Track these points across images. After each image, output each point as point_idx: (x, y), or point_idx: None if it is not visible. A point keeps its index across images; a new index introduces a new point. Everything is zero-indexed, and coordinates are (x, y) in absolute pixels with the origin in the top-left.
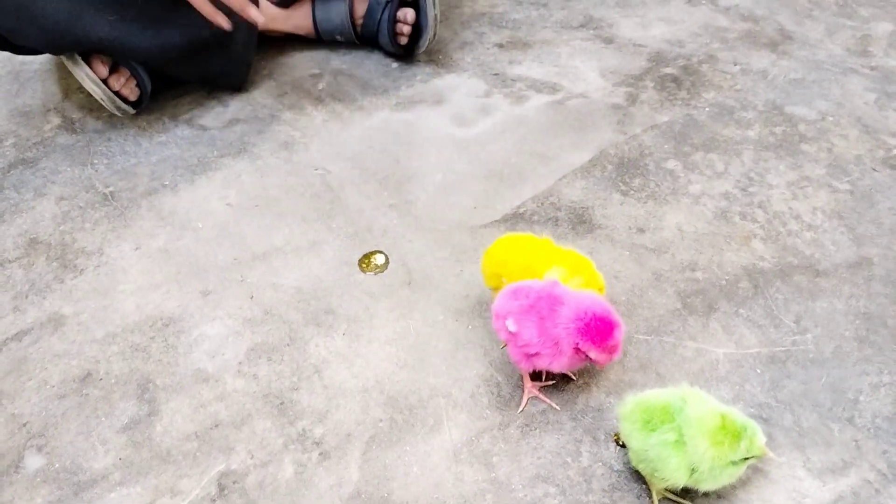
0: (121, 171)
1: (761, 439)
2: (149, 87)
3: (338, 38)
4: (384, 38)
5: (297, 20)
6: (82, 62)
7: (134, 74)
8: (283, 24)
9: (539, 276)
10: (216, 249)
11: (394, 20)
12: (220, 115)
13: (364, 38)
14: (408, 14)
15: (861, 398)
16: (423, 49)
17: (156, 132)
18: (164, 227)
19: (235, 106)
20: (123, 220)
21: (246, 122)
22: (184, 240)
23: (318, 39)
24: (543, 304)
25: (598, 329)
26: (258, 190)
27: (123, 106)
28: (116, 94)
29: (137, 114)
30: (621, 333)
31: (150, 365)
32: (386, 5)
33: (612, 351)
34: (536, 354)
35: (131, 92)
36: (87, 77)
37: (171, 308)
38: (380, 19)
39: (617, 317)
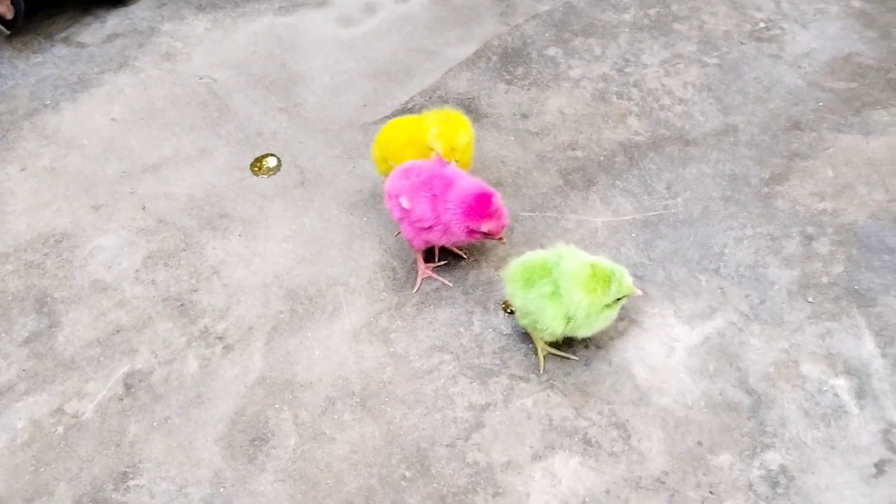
0: None
1: (629, 280)
2: (23, 7)
3: None
4: None
5: None
6: None
7: None
8: None
9: (420, 147)
10: (104, 164)
11: None
12: (97, 31)
13: None
14: None
15: (726, 251)
16: None
17: (32, 53)
18: (48, 146)
19: (113, 21)
20: (6, 142)
21: (125, 36)
22: (70, 157)
23: None
24: (436, 183)
25: (479, 205)
26: (143, 103)
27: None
28: None
29: (11, 36)
30: (499, 199)
31: (47, 280)
32: None
33: (498, 216)
34: (429, 229)
35: (7, 10)
36: None
37: (62, 224)
38: None
39: (491, 189)
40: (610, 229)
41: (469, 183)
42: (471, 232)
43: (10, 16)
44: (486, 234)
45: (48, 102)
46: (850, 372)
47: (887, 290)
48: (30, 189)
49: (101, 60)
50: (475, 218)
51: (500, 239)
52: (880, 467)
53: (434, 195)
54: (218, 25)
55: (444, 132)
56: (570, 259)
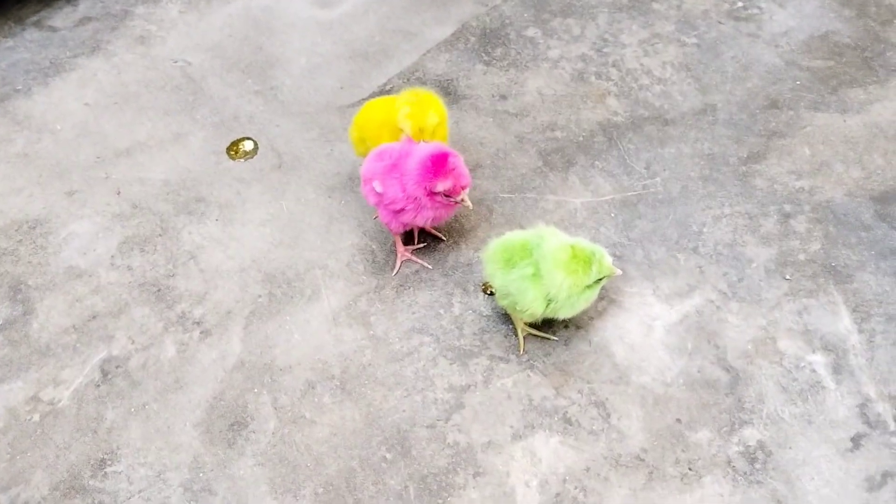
0: None
1: (608, 260)
2: None
3: None
4: None
5: None
6: None
7: None
8: None
9: (394, 127)
10: (77, 150)
11: None
12: (69, 14)
13: None
14: None
15: (705, 230)
16: None
17: (3, 37)
18: (20, 131)
19: (85, 4)
20: None
21: (98, 19)
22: (42, 143)
23: None
24: (402, 162)
25: (434, 164)
26: (116, 87)
27: None
28: None
29: None
30: (458, 159)
31: (21, 267)
32: None
33: (455, 175)
34: (402, 210)
35: None
36: None
37: (36, 211)
38: None
39: (449, 149)
40: (589, 209)
41: (427, 146)
42: (431, 195)
43: None
44: (447, 196)
45: (20, 87)
46: (827, 348)
47: (863, 267)
48: (2, 175)
49: (73, 44)
50: (430, 177)
51: (463, 201)
52: (856, 441)
53: (402, 174)
54: (192, 8)
55: (414, 113)
56: (551, 240)
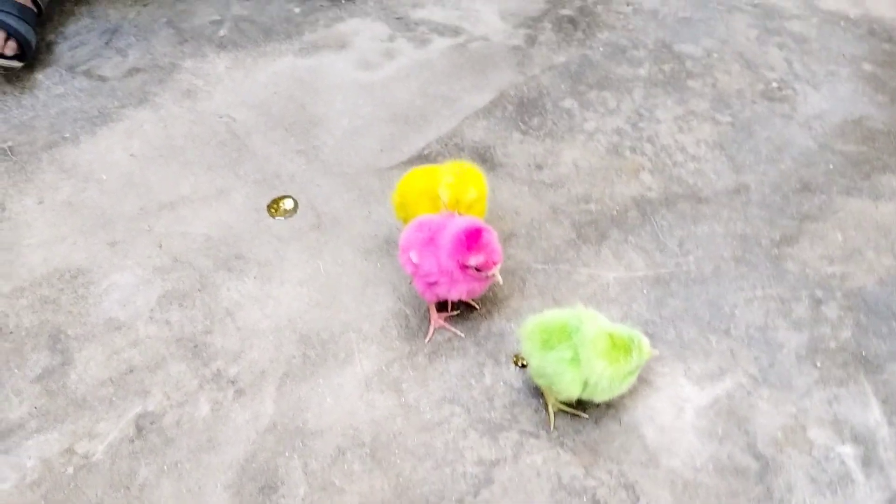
0: (19, 126)
1: (646, 344)
2: (32, 39)
3: None
4: None
5: None
6: None
7: (5, 29)
8: None
9: (433, 196)
10: (122, 200)
11: None
12: (119, 64)
13: None
14: None
15: (737, 311)
16: None
17: (53, 84)
18: (66, 179)
19: (135, 55)
20: (24, 174)
21: (146, 71)
22: (88, 192)
23: None
24: (438, 235)
25: (468, 238)
26: (162, 139)
27: (5, 63)
28: None
29: (32, 66)
30: (491, 235)
31: (61, 316)
32: None
33: (488, 251)
34: (436, 283)
35: (7, 48)
36: None
37: (78, 260)
38: None
39: (484, 225)
40: (622, 285)
41: (462, 220)
42: (463, 268)
43: (10, 53)
44: (478, 270)
45: (67, 135)
46: (856, 439)
47: (894, 358)
48: (47, 222)
49: (121, 95)
50: (463, 251)
51: (494, 276)
52: None
53: (439, 248)
54: (239, 65)
55: (455, 184)
56: (590, 325)
